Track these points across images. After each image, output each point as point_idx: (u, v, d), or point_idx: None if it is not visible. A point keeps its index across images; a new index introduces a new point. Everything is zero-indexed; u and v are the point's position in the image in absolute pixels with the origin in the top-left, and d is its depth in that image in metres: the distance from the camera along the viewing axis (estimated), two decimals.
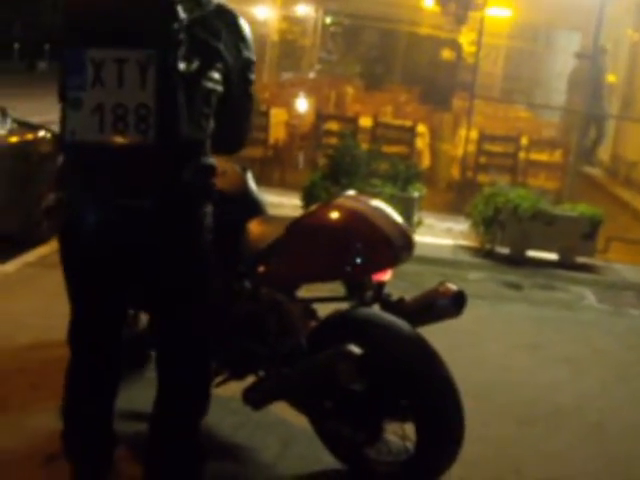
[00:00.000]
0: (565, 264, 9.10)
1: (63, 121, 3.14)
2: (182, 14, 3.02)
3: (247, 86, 3.40)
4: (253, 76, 3.42)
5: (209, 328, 3.52)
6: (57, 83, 3.28)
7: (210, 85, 3.13)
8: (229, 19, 3.23)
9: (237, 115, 3.43)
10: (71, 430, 3.65)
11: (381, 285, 4.10)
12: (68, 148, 3.18)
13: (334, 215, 4.05)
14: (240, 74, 3.31)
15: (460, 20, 15.49)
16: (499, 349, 6.46)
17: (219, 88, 3.19)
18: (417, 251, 4.26)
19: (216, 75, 3.15)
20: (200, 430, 3.60)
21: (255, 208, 4.46)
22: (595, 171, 15.95)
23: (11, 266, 7.21)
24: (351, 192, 4.55)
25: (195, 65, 3.06)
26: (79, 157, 3.15)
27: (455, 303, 3.94)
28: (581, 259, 9.23)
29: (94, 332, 3.49)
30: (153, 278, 3.29)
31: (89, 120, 3.02)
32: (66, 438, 3.73)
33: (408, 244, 4.06)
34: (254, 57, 3.39)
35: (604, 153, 16.66)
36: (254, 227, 4.25)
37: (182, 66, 3.02)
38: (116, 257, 3.24)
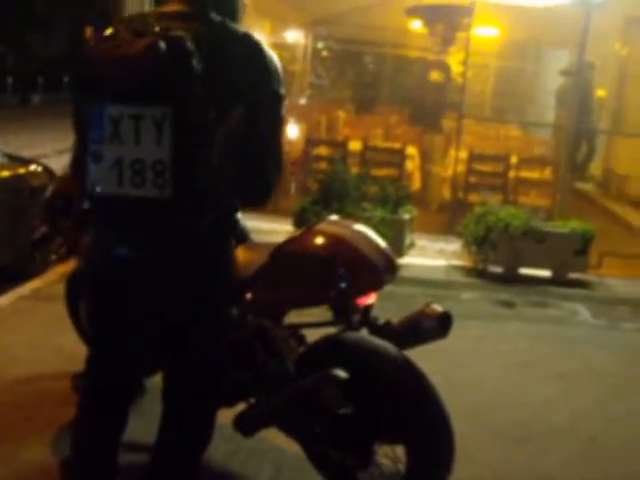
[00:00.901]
0: (558, 281, 9.13)
1: (84, 172, 3.16)
2: (197, 65, 2.96)
3: (275, 124, 3.22)
4: (282, 112, 3.22)
5: (221, 363, 3.53)
6: (75, 133, 3.33)
7: (229, 131, 3.11)
8: (253, 50, 3.14)
9: (264, 159, 3.22)
10: (78, 460, 3.64)
11: (368, 308, 4.12)
12: (89, 199, 3.22)
13: (316, 240, 4.07)
14: (267, 110, 3.17)
15: (448, 41, 15.55)
16: (493, 368, 6.47)
17: (239, 130, 3.11)
18: (410, 273, 4.30)
19: (235, 118, 3.10)
20: (200, 461, 3.61)
21: (239, 236, 4.48)
22: (587, 186, 15.99)
23: (4, 299, 7.23)
24: (333, 217, 4.58)
25: (212, 115, 3.03)
26: (100, 208, 3.19)
27: (441, 324, 3.95)
28: (574, 275, 9.25)
29: (114, 372, 3.50)
30: (171, 318, 3.30)
31: (108, 174, 3.05)
32: (71, 467, 3.73)
33: (391, 267, 4.08)
34: (283, 91, 3.20)
35: (596, 168, 16.69)
36: (239, 254, 4.25)
37: (198, 120, 3.03)
38: (132, 300, 3.27)
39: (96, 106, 3.05)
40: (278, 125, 3.24)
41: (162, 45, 2.93)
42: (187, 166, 3.00)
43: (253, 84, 3.10)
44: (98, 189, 3.10)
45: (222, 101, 3.04)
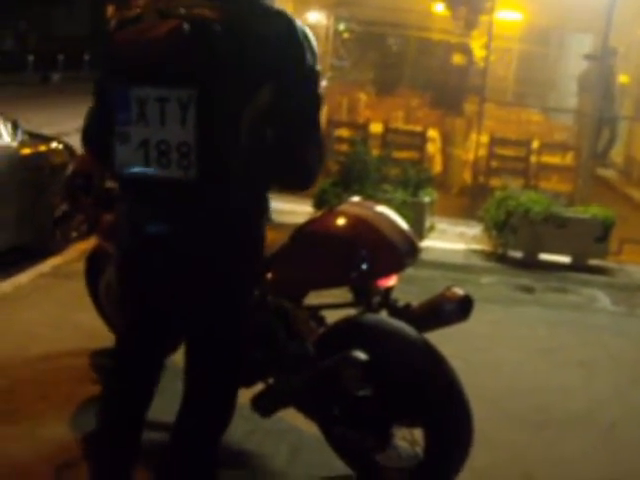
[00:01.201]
0: (578, 267, 9.09)
1: (109, 152, 3.17)
2: (223, 47, 2.94)
3: (312, 102, 3.14)
4: (318, 89, 3.14)
5: (244, 343, 3.53)
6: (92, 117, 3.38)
7: (257, 111, 3.08)
8: (284, 27, 3.06)
9: (303, 141, 3.15)
10: (102, 436, 3.64)
11: (388, 291, 4.11)
12: (118, 179, 3.24)
13: (338, 221, 4.06)
14: (303, 87, 3.10)
15: (470, 24, 15.45)
16: (512, 353, 6.46)
17: (273, 111, 3.06)
18: (430, 256, 4.29)
19: (265, 98, 3.05)
20: (220, 441, 3.62)
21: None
22: (608, 173, 15.90)
23: (24, 277, 7.26)
24: (355, 198, 4.57)
25: (238, 96, 3.04)
26: (129, 188, 3.21)
27: (462, 308, 3.94)
28: (594, 261, 9.22)
29: (141, 351, 3.50)
30: (198, 297, 3.29)
31: (135, 154, 3.07)
32: (94, 442, 3.74)
33: (412, 249, 4.07)
34: (318, 67, 3.12)
35: (617, 155, 16.60)
36: None
37: (224, 101, 3.02)
38: (161, 278, 3.26)
39: (122, 88, 3.05)
40: (316, 103, 3.17)
41: (186, 27, 2.92)
42: (212, 147, 2.99)
43: (287, 62, 3.05)
44: (126, 169, 3.11)
45: (250, 82, 3.01)
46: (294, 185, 3.31)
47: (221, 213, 3.11)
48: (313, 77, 3.13)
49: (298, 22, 3.10)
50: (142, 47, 3.01)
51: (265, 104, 3.03)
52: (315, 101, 3.16)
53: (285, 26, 3.07)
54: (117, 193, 4.39)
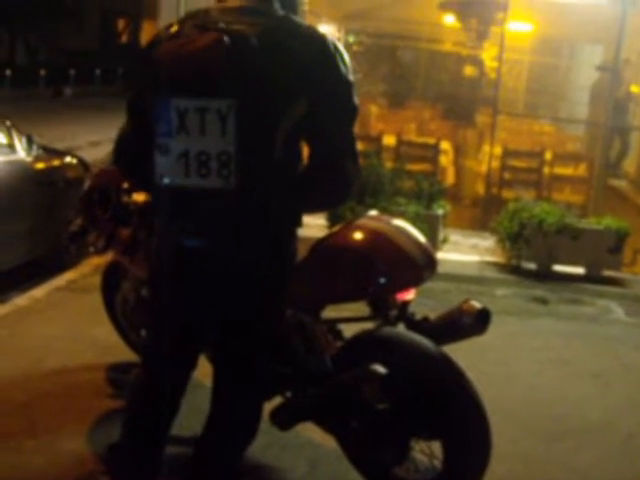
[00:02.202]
0: (592, 278, 9.08)
1: (152, 165, 3.20)
2: (261, 60, 3.01)
3: (347, 114, 3.18)
4: (354, 100, 3.18)
5: (268, 361, 3.55)
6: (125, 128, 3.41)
7: (292, 123, 3.12)
8: (317, 42, 3.13)
9: (338, 154, 3.19)
10: (127, 448, 3.65)
11: (405, 304, 4.11)
12: (157, 191, 3.25)
13: (357, 235, 4.07)
14: (337, 99, 3.15)
15: (481, 36, 15.48)
16: (527, 365, 6.45)
17: (303, 123, 3.12)
18: (443, 268, 4.28)
19: (301, 110, 3.10)
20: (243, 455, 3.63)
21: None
22: (621, 183, 15.87)
23: (40, 291, 7.29)
24: (373, 212, 4.58)
25: (275, 107, 3.07)
26: (167, 199, 3.22)
27: (479, 320, 3.94)
28: (608, 272, 9.20)
29: (171, 364, 3.50)
30: (229, 310, 3.31)
31: (176, 165, 3.11)
32: (118, 454, 3.75)
33: (431, 263, 4.08)
34: (351, 79, 3.15)
35: (630, 165, 16.56)
36: None
37: (261, 112, 3.05)
38: (202, 282, 3.28)
39: (164, 100, 3.10)
40: (351, 114, 3.21)
41: (227, 40, 2.98)
42: (251, 157, 3.04)
43: (321, 75, 3.10)
44: (166, 180, 3.15)
45: (285, 94, 3.06)
46: (332, 199, 3.35)
47: (258, 221, 3.14)
48: (347, 88, 3.17)
49: (330, 37, 3.16)
50: (184, 59, 3.08)
51: (301, 116, 3.07)
52: (351, 112, 3.20)
53: (318, 41, 3.14)
54: (134, 208, 4.43)
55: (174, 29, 3.18)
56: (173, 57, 3.11)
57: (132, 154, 3.38)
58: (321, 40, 3.13)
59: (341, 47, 3.17)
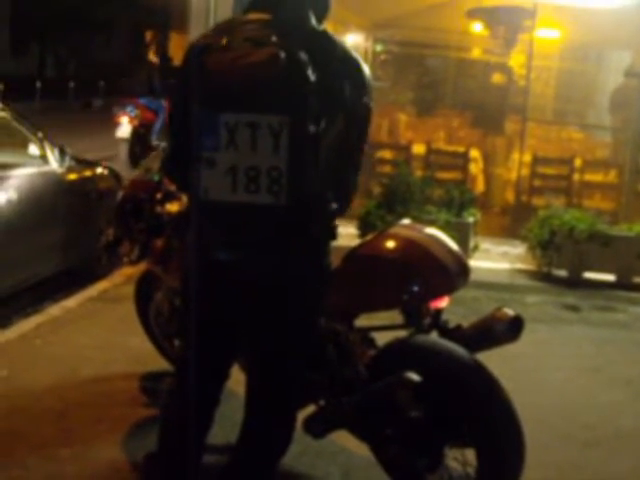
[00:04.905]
0: (623, 285, 9.05)
1: (196, 179, 3.19)
2: (312, 76, 3.03)
3: (363, 135, 3.34)
4: (369, 125, 3.35)
5: (302, 370, 3.57)
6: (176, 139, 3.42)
7: (332, 140, 3.16)
8: (353, 66, 3.22)
9: (347, 168, 3.36)
10: (164, 459, 3.67)
11: (439, 312, 4.12)
12: (199, 204, 3.23)
13: (390, 244, 4.08)
14: (359, 122, 3.29)
15: (509, 43, 15.43)
16: (559, 372, 6.44)
17: (340, 140, 3.20)
18: (474, 276, 4.28)
19: (340, 126, 3.17)
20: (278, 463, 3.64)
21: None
22: None
23: (73, 301, 7.35)
24: (406, 221, 4.60)
25: (323, 125, 3.09)
26: (210, 214, 3.21)
27: (512, 328, 3.94)
28: (639, 279, 9.15)
29: (206, 376, 3.52)
30: (264, 323, 3.33)
31: (222, 180, 3.09)
32: (156, 464, 3.77)
33: (464, 271, 4.09)
34: (372, 104, 3.32)
35: None
36: None
37: (312, 128, 3.07)
38: (238, 296, 3.30)
39: (212, 113, 3.09)
40: (365, 136, 3.35)
41: (283, 55, 2.99)
42: (301, 173, 3.04)
43: (352, 96, 3.16)
44: (211, 195, 3.13)
45: (330, 111, 3.09)
46: (338, 209, 3.37)
47: (306, 236, 3.16)
48: (369, 112, 3.31)
49: (361, 59, 3.26)
50: (238, 73, 3.06)
51: (338, 132, 3.11)
52: (366, 134, 3.35)
53: (354, 63, 3.23)
54: (168, 218, 4.46)
55: (224, 41, 3.16)
56: (225, 70, 3.09)
57: (184, 165, 3.30)
58: (357, 63, 3.23)
59: (368, 72, 3.29)
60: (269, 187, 3.04)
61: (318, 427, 4.19)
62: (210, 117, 3.10)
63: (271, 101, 3.03)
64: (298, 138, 3.02)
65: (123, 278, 7.94)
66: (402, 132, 14.98)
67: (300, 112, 3.02)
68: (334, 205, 3.26)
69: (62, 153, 7.94)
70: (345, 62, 3.18)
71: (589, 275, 9.18)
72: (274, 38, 3.06)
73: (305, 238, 3.18)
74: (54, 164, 7.80)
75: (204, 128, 3.11)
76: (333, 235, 3.33)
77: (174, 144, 3.43)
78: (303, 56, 3.02)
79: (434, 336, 4.10)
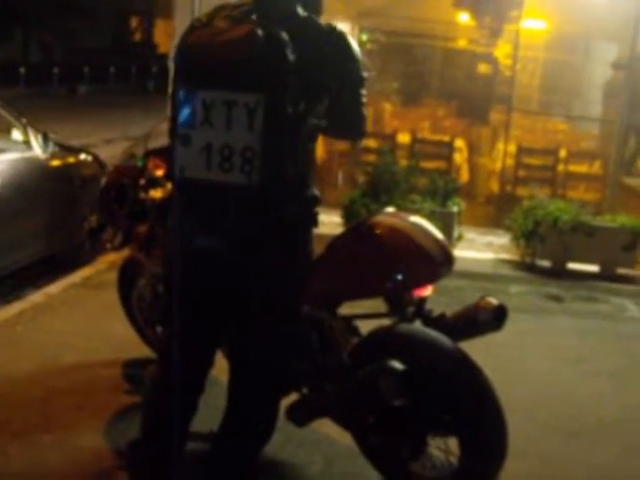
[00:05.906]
0: (606, 276, 9.06)
1: (173, 157, 3.19)
2: (291, 56, 3.04)
3: (361, 104, 3.40)
4: (364, 92, 3.40)
5: (285, 358, 3.56)
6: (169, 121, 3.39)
7: (315, 121, 3.15)
8: (339, 41, 3.25)
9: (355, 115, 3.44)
10: (147, 445, 3.66)
11: (422, 300, 4.11)
12: (177, 182, 3.24)
13: (373, 232, 4.06)
14: (351, 93, 3.33)
15: (496, 33, 15.45)
16: (542, 362, 6.45)
17: (323, 122, 3.22)
18: (458, 266, 4.27)
19: (321, 108, 3.19)
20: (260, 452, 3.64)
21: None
22: (635, 181, 15.81)
23: (55, 287, 7.31)
24: (390, 209, 4.58)
25: (302, 106, 3.09)
26: (186, 192, 3.21)
27: (496, 317, 3.94)
28: (622, 270, 9.17)
29: (188, 363, 3.51)
30: (243, 307, 3.32)
31: (197, 158, 3.09)
32: (139, 449, 3.76)
33: (448, 259, 4.08)
34: (364, 74, 3.38)
35: None
36: None
37: (289, 109, 3.06)
38: (216, 281, 3.29)
39: (189, 89, 3.09)
40: (363, 104, 3.39)
41: (260, 32, 2.97)
42: (275, 154, 3.03)
43: (340, 73, 3.15)
44: (186, 172, 3.13)
45: (311, 94, 3.08)
46: (350, 135, 3.70)
47: (278, 219, 3.15)
48: (362, 83, 3.37)
49: (349, 36, 3.29)
50: (215, 48, 3.07)
51: (322, 112, 3.10)
52: (363, 101, 3.40)
53: (340, 41, 3.21)
54: (151, 204, 4.44)
55: (205, 19, 3.17)
56: (203, 47, 3.09)
57: None
58: (343, 40, 3.27)
59: (357, 46, 3.33)
60: (242, 167, 3.03)
61: (301, 415, 4.18)
62: (189, 94, 3.10)
63: (248, 79, 3.03)
64: (274, 118, 3.02)
65: (106, 264, 7.90)
66: (387, 121, 15.00)
67: (277, 91, 3.02)
68: (314, 191, 3.25)
69: (46, 139, 7.90)
70: (333, 43, 3.18)
71: (573, 266, 9.18)
72: (254, 17, 3.05)
73: (279, 222, 3.17)
74: (37, 150, 7.76)
75: (182, 105, 3.11)
76: (314, 222, 3.32)
77: (171, 125, 3.42)
78: (283, 35, 3.01)
79: (418, 325, 4.09)
